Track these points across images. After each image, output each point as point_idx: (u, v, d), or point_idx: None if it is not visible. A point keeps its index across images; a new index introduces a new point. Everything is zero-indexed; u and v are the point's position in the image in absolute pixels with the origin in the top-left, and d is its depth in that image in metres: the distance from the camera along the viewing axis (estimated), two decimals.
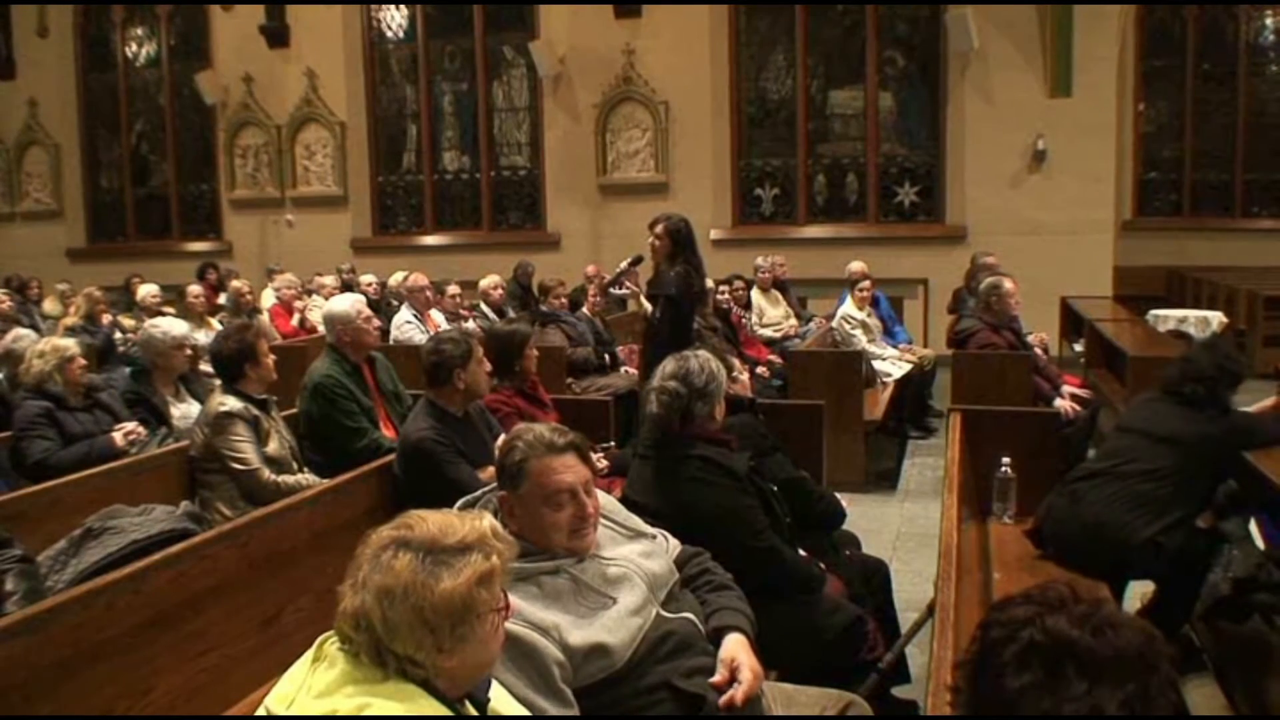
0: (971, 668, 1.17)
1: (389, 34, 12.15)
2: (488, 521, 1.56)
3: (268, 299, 8.60)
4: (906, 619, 3.30)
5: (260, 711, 1.48)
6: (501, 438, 3.65)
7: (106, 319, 7.38)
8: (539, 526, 2.03)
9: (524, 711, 1.72)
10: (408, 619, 1.42)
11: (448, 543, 1.47)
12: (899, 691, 3.10)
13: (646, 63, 10.83)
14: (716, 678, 1.99)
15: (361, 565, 1.47)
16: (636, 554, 2.15)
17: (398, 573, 1.43)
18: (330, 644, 1.49)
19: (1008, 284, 5.73)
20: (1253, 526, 3.41)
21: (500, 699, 1.67)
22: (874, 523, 5.03)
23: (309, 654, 1.50)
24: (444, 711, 1.46)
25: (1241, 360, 3.62)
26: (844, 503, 3.35)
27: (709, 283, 6.96)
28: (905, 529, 5.17)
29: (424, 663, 1.44)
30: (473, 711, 1.56)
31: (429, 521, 1.51)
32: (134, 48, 13.22)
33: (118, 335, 7.23)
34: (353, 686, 1.42)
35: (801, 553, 2.87)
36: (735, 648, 2.06)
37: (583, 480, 2.07)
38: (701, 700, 1.97)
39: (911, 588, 4.02)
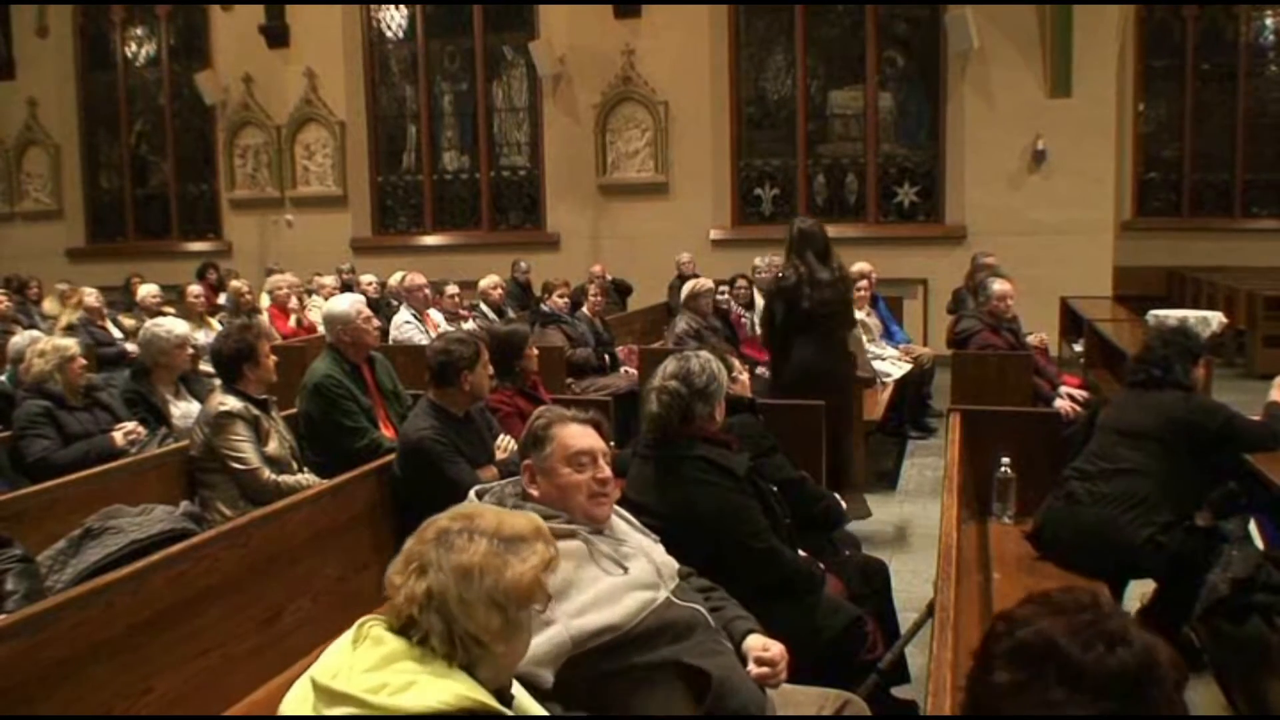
0: (974, 663, 1.18)
1: (389, 34, 12.15)
2: (538, 518, 1.64)
3: (267, 299, 8.58)
4: (906, 619, 3.30)
5: (302, 682, 1.49)
6: (502, 437, 3.70)
7: (110, 327, 7.33)
8: (560, 488, 2.15)
9: (543, 711, 1.73)
10: (483, 598, 1.47)
11: (510, 533, 1.54)
12: (899, 691, 3.10)
13: (646, 63, 10.83)
14: (751, 666, 2.10)
15: (426, 551, 1.51)
16: (647, 544, 2.24)
17: (474, 553, 1.49)
18: (371, 626, 1.51)
19: (996, 285, 5.72)
20: (1252, 526, 3.41)
21: (522, 698, 1.67)
22: (874, 523, 5.04)
23: (348, 636, 1.52)
24: (486, 694, 1.48)
25: (1197, 337, 3.60)
26: (844, 503, 3.35)
27: (708, 282, 7.00)
28: (905, 529, 5.17)
29: (487, 645, 1.48)
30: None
31: (487, 514, 1.58)
32: (134, 48, 13.23)
33: (117, 335, 7.23)
34: (402, 663, 1.45)
35: (801, 553, 2.87)
36: (761, 638, 2.19)
37: (601, 449, 2.20)
38: (708, 677, 2.00)
39: (911, 588, 4.02)
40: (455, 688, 1.43)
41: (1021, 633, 1.12)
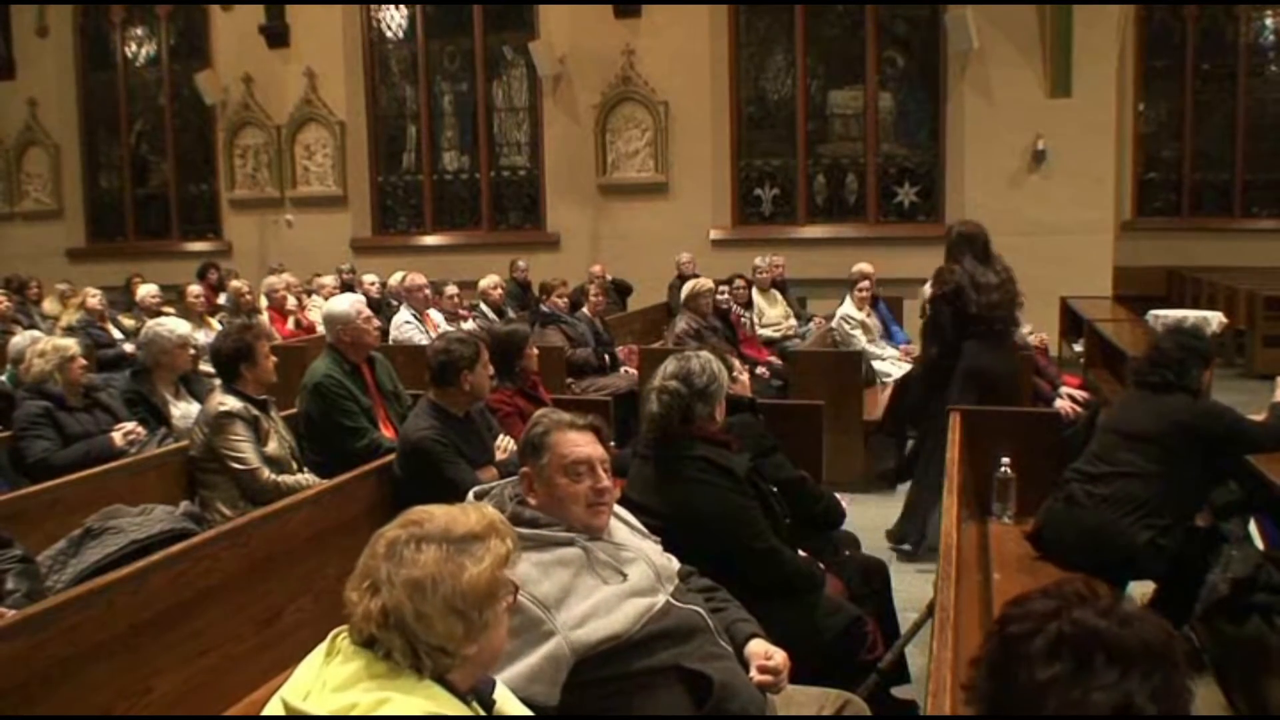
0: (991, 663, 1.17)
1: (388, 34, 12.15)
2: (491, 510, 1.61)
3: (265, 300, 8.56)
4: (906, 619, 3.30)
5: (274, 703, 1.47)
6: (502, 437, 3.70)
7: (110, 329, 7.31)
8: (558, 498, 2.12)
9: (527, 712, 1.73)
10: (440, 609, 1.44)
11: (461, 532, 1.50)
12: (899, 691, 3.10)
13: (646, 63, 10.83)
14: (754, 673, 2.09)
15: (378, 566, 1.48)
16: (646, 547, 2.23)
17: (424, 565, 1.45)
18: (343, 639, 1.49)
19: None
20: (1252, 526, 3.41)
21: (505, 699, 1.67)
22: (874, 523, 5.03)
23: (321, 648, 1.50)
24: (459, 705, 1.47)
25: (1208, 340, 3.57)
26: (844, 503, 3.35)
27: (708, 282, 6.99)
28: None
29: (454, 652, 1.46)
30: (480, 711, 1.57)
31: (437, 515, 1.53)
32: (134, 47, 13.22)
33: (118, 336, 7.23)
34: (371, 681, 1.42)
35: (801, 553, 2.87)
36: (764, 643, 2.18)
37: (600, 457, 2.17)
38: (710, 682, 2.00)
39: (911, 588, 4.02)
40: (424, 705, 1.41)
41: (1054, 626, 1.12)
